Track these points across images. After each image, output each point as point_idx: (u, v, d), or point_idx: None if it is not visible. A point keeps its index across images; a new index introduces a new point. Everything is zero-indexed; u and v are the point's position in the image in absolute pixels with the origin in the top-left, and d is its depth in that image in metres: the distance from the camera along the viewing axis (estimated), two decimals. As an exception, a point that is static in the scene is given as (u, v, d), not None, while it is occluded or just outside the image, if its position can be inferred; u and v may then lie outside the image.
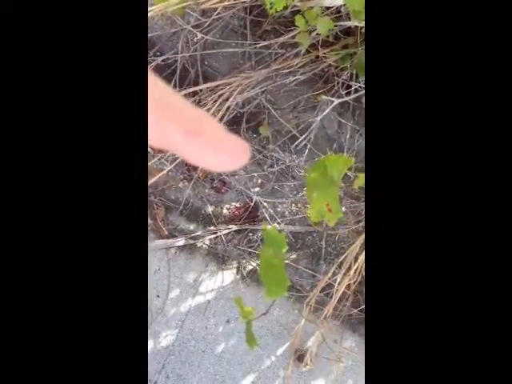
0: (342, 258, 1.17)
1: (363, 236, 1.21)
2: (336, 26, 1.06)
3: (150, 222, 1.51)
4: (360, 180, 0.64)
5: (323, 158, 0.54)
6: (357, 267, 1.11)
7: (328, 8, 0.96)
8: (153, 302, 1.43)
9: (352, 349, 1.39)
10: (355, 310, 1.35)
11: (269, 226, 0.61)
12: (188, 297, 1.46)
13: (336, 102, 0.84)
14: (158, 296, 1.44)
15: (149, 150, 1.44)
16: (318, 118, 0.89)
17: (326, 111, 0.87)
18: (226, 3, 0.95)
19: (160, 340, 1.42)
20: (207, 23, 1.20)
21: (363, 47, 1.11)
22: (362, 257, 1.19)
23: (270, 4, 0.89)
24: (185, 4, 0.95)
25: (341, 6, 0.95)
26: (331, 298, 1.37)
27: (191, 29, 1.09)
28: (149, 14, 0.97)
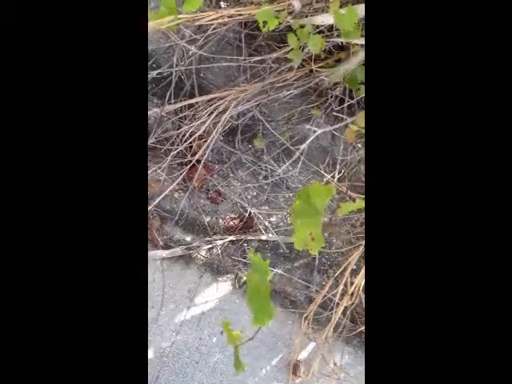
0: (338, 272, 1.18)
1: (359, 250, 1.22)
2: (328, 42, 1.07)
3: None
4: (343, 209, 0.65)
5: (307, 186, 0.55)
6: (355, 286, 1.12)
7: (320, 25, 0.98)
8: (147, 313, 1.44)
9: (346, 361, 1.40)
10: (349, 322, 1.35)
11: (253, 252, 0.62)
12: (182, 307, 1.46)
13: (319, 131, 0.85)
14: (153, 307, 1.44)
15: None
16: (307, 142, 0.90)
17: (311, 138, 0.88)
18: (221, 20, 0.96)
19: (154, 351, 1.42)
20: (202, 37, 1.21)
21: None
22: (361, 275, 1.19)
23: (263, 22, 0.90)
24: (179, 21, 0.97)
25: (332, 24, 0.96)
26: (325, 309, 1.38)
27: (185, 44, 1.10)
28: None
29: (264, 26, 0.88)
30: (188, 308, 1.46)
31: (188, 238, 1.52)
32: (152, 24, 0.98)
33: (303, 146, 0.89)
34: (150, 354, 1.42)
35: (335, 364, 1.19)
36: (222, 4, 1.30)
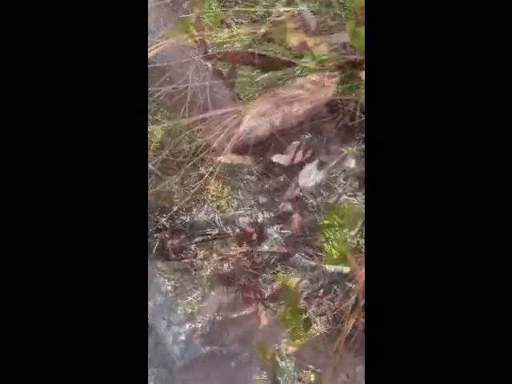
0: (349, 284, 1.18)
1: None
2: (342, 58, 1.09)
3: (157, 243, 1.53)
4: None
5: (335, 208, 0.56)
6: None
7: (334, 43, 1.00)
8: (160, 324, 1.45)
9: (357, 373, 1.39)
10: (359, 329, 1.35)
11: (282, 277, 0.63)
12: (193, 318, 1.47)
13: (345, 152, 0.86)
14: (164, 318, 1.45)
15: (157, 172, 1.47)
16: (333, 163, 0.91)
17: (337, 160, 0.89)
18: (237, 38, 0.98)
19: (166, 363, 1.42)
20: (217, 51, 1.23)
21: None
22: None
23: (280, 40, 0.92)
24: (196, 38, 0.99)
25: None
26: (336, 322, 1.38)
27: (201, 60, 1.13)
28: (161, 47, 1.00)
29: (281, 44, 0.90)
30: (200, 319, 1.47)
31: (199, 250, 1.53)
32: (169, 41, 1.00)
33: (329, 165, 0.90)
34: (162, 367, 1.42)
35: (348, 376, 1.19)
36: (236, 20, 1.33)
